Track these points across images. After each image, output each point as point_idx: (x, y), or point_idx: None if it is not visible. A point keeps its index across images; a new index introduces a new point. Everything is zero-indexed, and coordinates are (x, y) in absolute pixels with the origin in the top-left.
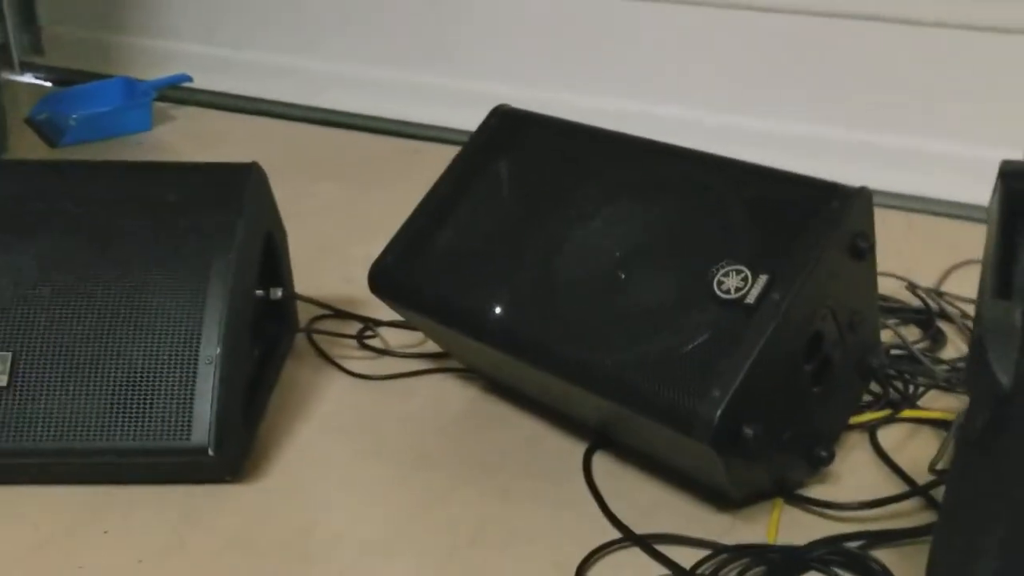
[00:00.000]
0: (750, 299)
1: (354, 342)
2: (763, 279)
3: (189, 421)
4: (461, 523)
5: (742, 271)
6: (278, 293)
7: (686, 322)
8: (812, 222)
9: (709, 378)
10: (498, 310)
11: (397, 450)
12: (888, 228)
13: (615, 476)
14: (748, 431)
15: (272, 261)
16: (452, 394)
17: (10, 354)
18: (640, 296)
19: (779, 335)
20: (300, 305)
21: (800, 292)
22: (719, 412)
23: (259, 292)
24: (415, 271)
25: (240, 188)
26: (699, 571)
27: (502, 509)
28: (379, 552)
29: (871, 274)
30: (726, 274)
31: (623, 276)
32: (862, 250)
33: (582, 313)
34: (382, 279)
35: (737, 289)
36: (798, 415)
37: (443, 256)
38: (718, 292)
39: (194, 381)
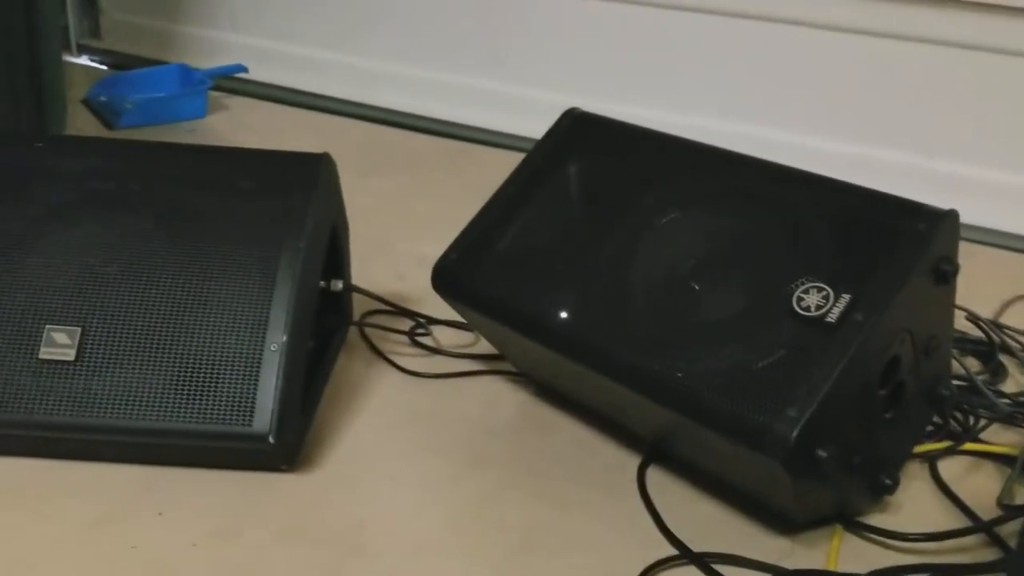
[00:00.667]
0: (831, 318)
1: (406, 339)
2: (845, 298)
3: (252, 407)
4: (513, 527)
5: (823, 289)
6: (339, 285)
7: (761, 337)
8: (898, 243)
9: (786, 396)
10: (564, 314)
11: (448, 450)
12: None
13: (669, 490)
14: (822, 453)
15: (334, 253)
16: (504, 397)
17: (79, 329)
18: (714, 307)
19: (859, 357)
20: (353, 299)
21: (883, 314)
22: (796, 432)
23: (321, 283)
24: (480, 270)
25: (311, 177)
26: None
27: (554, 516)
28: (432, 551)
29: (950, 299)
30: (806, 291)
31: (696, 286)
32: (946, 274)
33: (653, 321)
34: (445, 276)
35: (818, 307)
36: (868, 440)
37: (509, 257)
38: (797, 309)
39: (259, 368)
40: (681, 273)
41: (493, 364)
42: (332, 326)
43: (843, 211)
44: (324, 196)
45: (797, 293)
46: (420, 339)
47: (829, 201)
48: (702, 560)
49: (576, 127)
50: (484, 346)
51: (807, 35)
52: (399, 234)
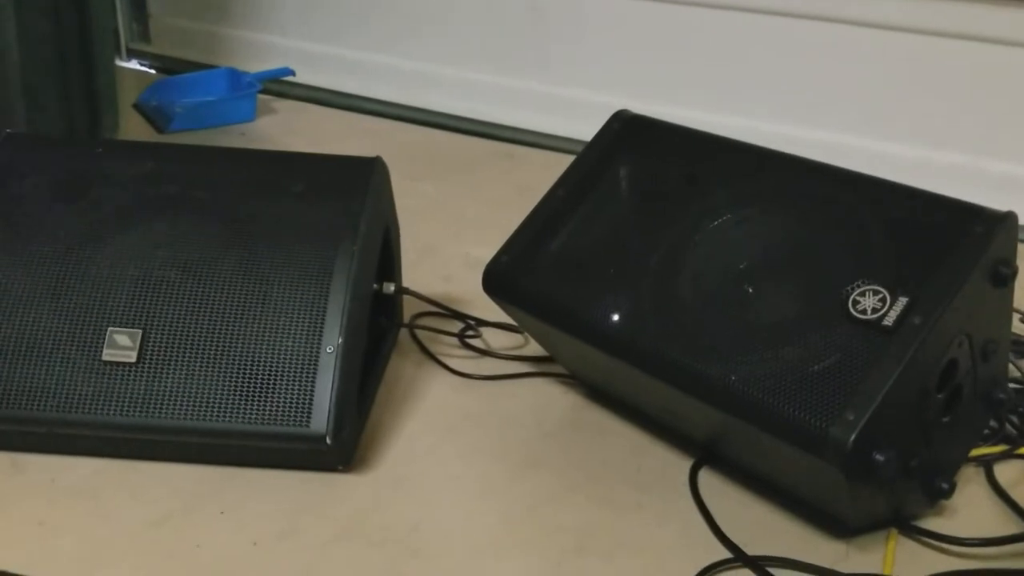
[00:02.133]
0: (888, 321)
1: (455, 340)
2: (903, 301)
3: (309, 409)
4: (568, 529)
5: (880, 292)
6: (391, 288)
7: (817, 340)
8: (956, 246)
9: (843, 400)
10: (616, 317)
11: (502, 451)
12: None
13: (721, 493)
14: (879, 457)
15: (386, 256)
16: (554, 399)
17: (140, 331)
18: (768, 310)
19: (916, 361)
20: (404, 301)
21: (941, 317)
22: (854, 436)
23: (374, 286)
24: (531, 272)
25: (365, 181)
26: None
27: (609, 518)
28: (488, 553)
29: (1008, 302)
30: (862, 294)
31: (750, 289)
32: (1004, 277)
33: (706, 324)
34: (497, 278)
35: (874, 310)
36: (925, 444)
37: (560, 259)
38: (853, 312)
39: (315, 369)
40: (734, 275)
41: (543, 366)
42: (384, 328)
43: (900, 213)
44: (377, 199)
45: (853, 296)
46: (470, 341)
47: (885, 203)
48: (757, 564)
49: (626, 129)
50: (534, 348)
51: (858, 34)
52: (447, 236)
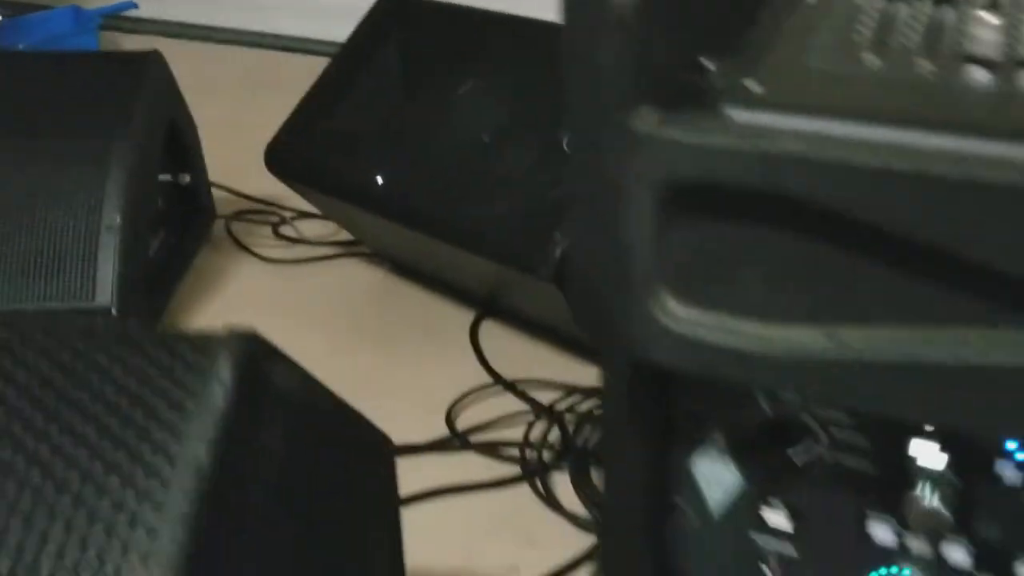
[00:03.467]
0: None
1: (270, 233)
2: None
3: (93, 284)
4: (346, 380)
5: None
6: (186, 178)
7: (542, 178)
8: None
9: (554, 223)
10: (382, 180)
11: (301, 326)
12: None
13: (501, 338)
14: None
15: (181, 150)
16: (358, 275)
17: None
18: (504, 158)
19: None
20: (224, 200)
21: None
22: (560, 250)
23: (166, 176)
24: (308, 149)
25: (140, 74)
26: (556, 407)
27: (389, 368)
28: None
29: None
30: None
31: (486, 139)
32: None
33: (452, 177)
34: (277, 156)
35: None
36: None
37: (333, 134)
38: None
39: (96, 247)
40: (476, 132)
41: (351, 248)
42: (190, 219)
43: None
44: (154, 89)
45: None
46: (282, 231)
47: None
48: (510, 384)
49: (393, 8)
50: (346, 234)
51: None
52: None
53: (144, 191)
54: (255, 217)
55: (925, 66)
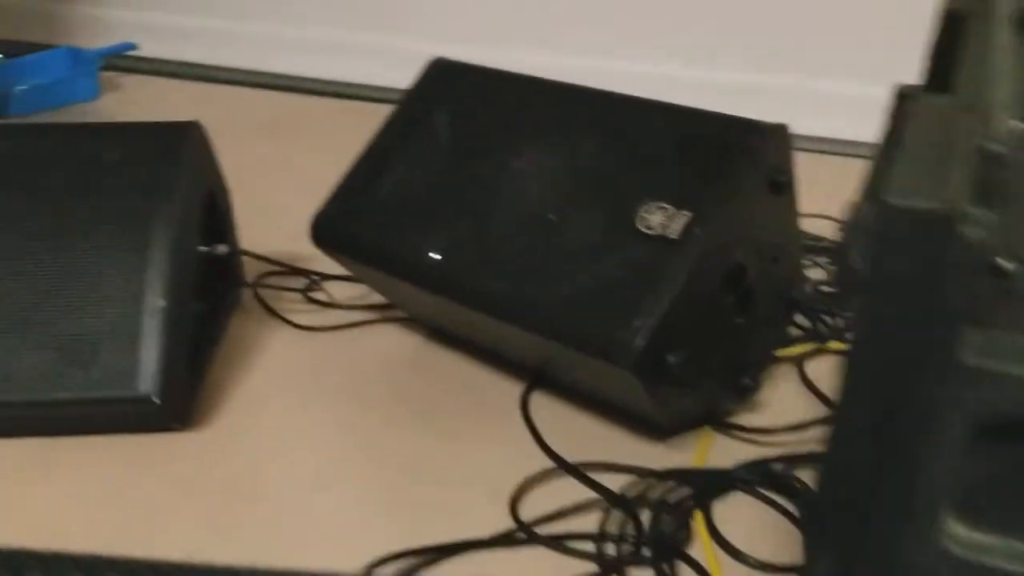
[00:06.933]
0: (672, 234)
1: (300, 296)
2: (685, 215)
3: (135, 371)
4: (402, 460)
5: (666, 208)
6: (222, 249)
7: (612, 258)
8: (731, 158)
9: (632, 309)
10: (436, 255)
11: (339, 396)
12: (821, 171)
13: (552, 412)
14: (671, 358)
15: (215, 219)
16: (396, 343)
17: None
18: (568, 235)
19: (700, 267)
20: (248, 263)
21: (720, 225)
22: (642, 341)
23: (203, 248)
24: (356, 221)
25: (180, 146)
26: (627, 494)
27: (442, 447)
28: (324, 491)
29: (791, 209)
30: (649, 211)
31: (552, 217)
32: (781, 184)
33: (513, 253)
34: (324, 230)
35: (660, 224)
36: (723, 345)
37: (382, 206)
38: (642, 229)
39: (139, 333)
40: (538, 206)
41: (385, 313)
42: (222, 290)
43: (681, 132)
44: (194, 162)
45: (640, 213)
46: (313, 295)
47: (668, 124)
48: (577, 470)
49: (442, 75)
50: (378, 297)
51: None
52: (289, 196)
53: (185, 269)
54: (282, 281)
55: None
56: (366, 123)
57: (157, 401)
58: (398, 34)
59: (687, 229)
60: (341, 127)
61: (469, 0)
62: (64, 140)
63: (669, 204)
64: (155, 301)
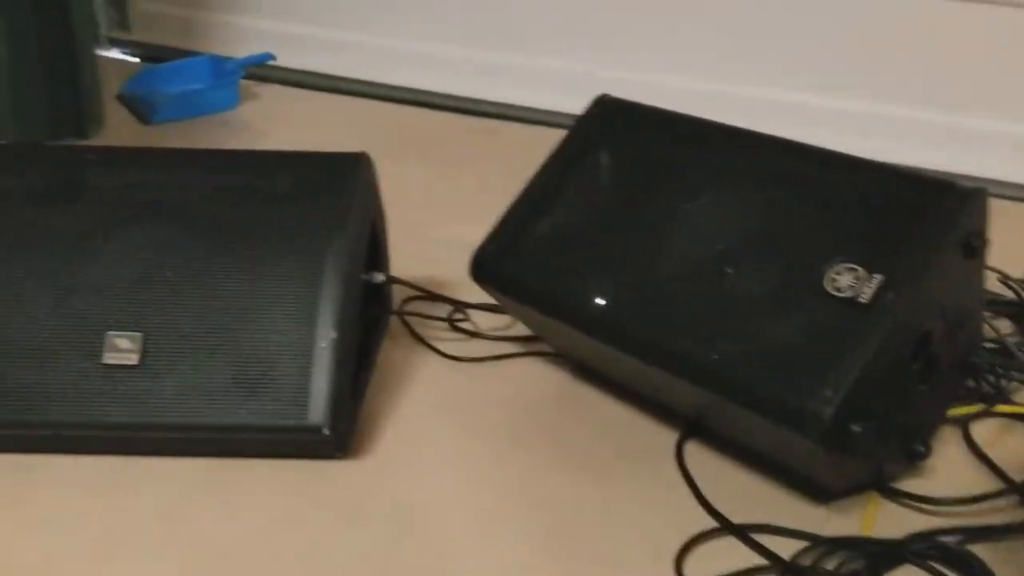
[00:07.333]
0: (864, 298)
1: (445, 324)
2: (877, 278)
3: (306, 401)
4: (558, 504)
5: (855, 269)
6: (380, 278)
7: (796, 318)
8: (928, 221)
9: (821, 376)
10: (601, 300)
11: (492, 431)
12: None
13: (707, 464)
14: (856, 429)
15: (374, 246)
16: (542, 378)
17: (141, 334)
18: (747, 289)
19: (891, 335)
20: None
21: (913, 291)
22: (832, 411)
23: (364, 276)
24: (517, 260)
25: (351, 177)
26: (798, 562)
27: (597, 492)
28: (482, 530)
29: (981, 271)
30: (838, 272)
31: (729, 269)
32: (975, 248)
33: (687, 306)
34: (484, 268)
35: (850, 287)
36: (901, 412)
37: (545, 246)
38: (830, 289)
39: (311, 363)
40: (713, 256)
41: (531, 346)
42: (375, 316)
43: (874, 191)
44: (363, 194)
45: (829, 274)
46: (458, 324)
47: (859, 180)
48: (742, 531)
49: (607, 113)
50: (522, 328)
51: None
52: (430, 217)
53: (353, 299)
54: (425, 307)
55: None
56: (499, 144)
57: (327, 432)
58: (535, 54)
59: (879, 293)
60: (477, 147)
61: (610, 19)
62: (240, 168)
63: (859, 265)
64: (327, 332)
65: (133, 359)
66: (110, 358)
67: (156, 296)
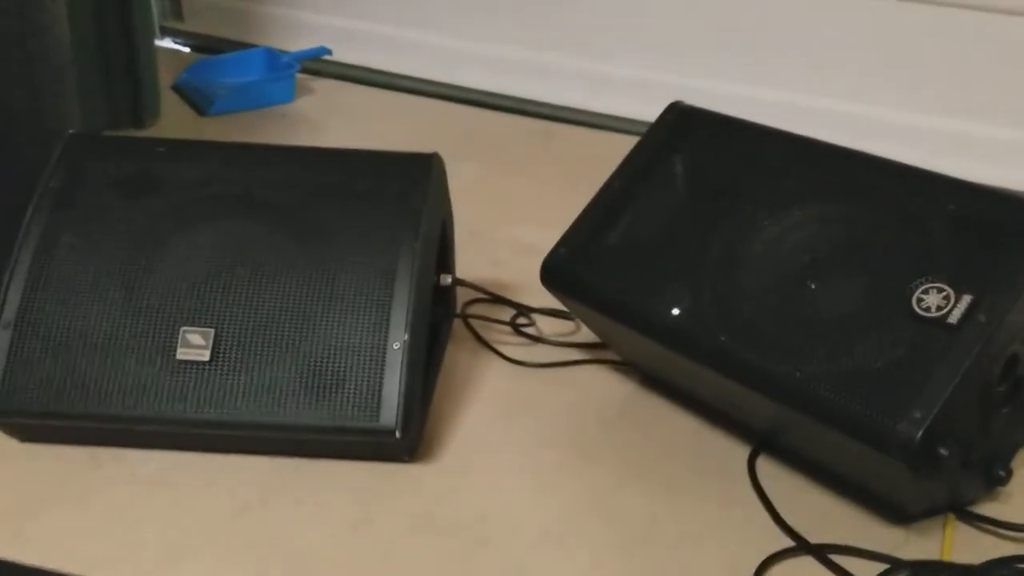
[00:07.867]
0: (953, 319)
1: (508, 328)
2: (967, 299)
3: (378, 404)
4: (631, 517)
5: (944, 290)
6: (448, 280)
7: (881, 337)
8: (1019, 243)
9: (909, 398)
10: (677, 311)
11: (560, 440)
12: None
13: (779, 480)
14: (943, 452)
15: (443, 248)
16: (610, 386)
17: (213, 330)
18: (831, 306)
19: (981, 358)
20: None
21: (1003, 313)
22: (921, 433)
23: (435, 279)
24: (589, 266)
25: (424, 178)
26: None
27: (670, 506)
28: (555, 542)
29: None
30: (926, 291)
31: (812, 285)
32: None
33: (769, 320)
34: (555, 272)
35: (939, 308)
36: (985, 435)
37: (618, 252)
38: (917, 309)
39: (383, 365)
40: (796, 271)
41: (597, 353)
42: (441, 319)
43: (963, 209)
44: (436, 195)
45: (917, 294)
46: (523, 328)
47: (948, 199)
48: (820, 552)
49: (680, 121)
50: (586, 334)
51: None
52: (492, 219)
53: (425, 301)
54: (488, 310)
55: None
56: (558, 147)
57: (398, 435)
58: (596, 58)
59: (969, 315)
60: (536, 149)
61: (671, 26)
62: (314, 165)
63: (948, 286)
64: (399, 334)
65: (205, 355)
66: (183, 354)
67: (229, 293)
